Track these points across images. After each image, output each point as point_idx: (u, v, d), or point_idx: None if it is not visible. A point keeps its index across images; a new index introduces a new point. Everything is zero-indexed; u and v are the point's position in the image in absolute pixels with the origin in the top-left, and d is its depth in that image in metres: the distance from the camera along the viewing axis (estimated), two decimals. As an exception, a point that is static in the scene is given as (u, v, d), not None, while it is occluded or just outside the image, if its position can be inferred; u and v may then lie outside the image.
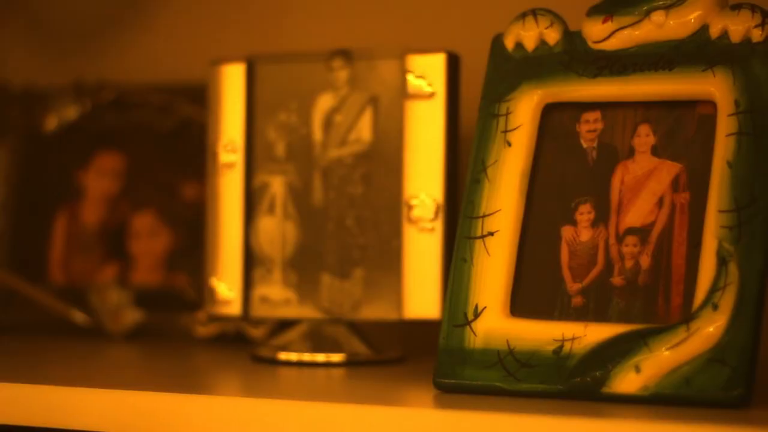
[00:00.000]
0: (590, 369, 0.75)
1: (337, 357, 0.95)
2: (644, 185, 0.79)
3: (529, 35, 0.84)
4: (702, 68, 0.78)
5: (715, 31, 0.79)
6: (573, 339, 0.76)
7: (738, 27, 0.78)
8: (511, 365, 0.77)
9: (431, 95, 0.94)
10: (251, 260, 0.99)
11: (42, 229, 1.24)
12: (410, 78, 0.95)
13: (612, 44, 0.82)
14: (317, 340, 0.97)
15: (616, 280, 0.78)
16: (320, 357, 0.95)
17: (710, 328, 0.72)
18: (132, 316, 1.15)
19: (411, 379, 0.87)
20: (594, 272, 0.79)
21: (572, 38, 0.83)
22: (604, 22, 0.82)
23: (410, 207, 0.94)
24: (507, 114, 0.83)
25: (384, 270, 0.95)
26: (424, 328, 0.93)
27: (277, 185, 0.99)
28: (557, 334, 0.76)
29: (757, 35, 0.78)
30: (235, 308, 0.99)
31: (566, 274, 0.80)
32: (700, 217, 0.76)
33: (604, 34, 0.82)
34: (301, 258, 0.98)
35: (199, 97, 1.19)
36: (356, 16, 1.22)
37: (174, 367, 0.97)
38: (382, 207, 0.96)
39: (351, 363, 0.95)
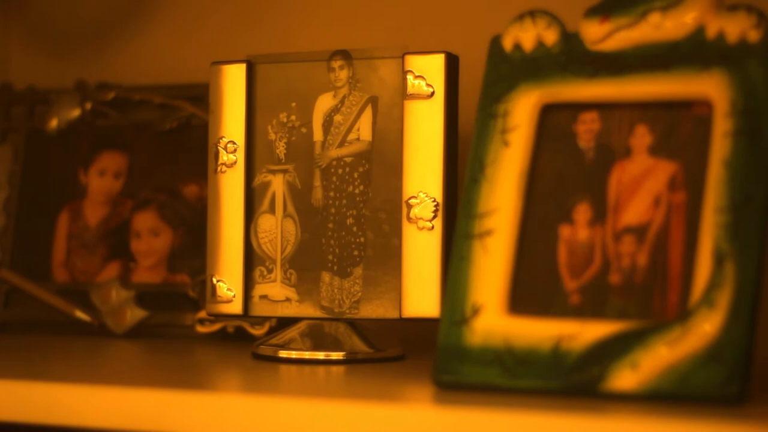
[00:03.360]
0: (588, 366, 0.75)
1: (336, 355, 0.96)
2: (641, 185, 0.80)
3: (527, 36, 0.85)
4: (698, 69, 0.79)
5: (711, 32, 0.80)
6: (570, 337, 0.76)
7: (734, 28, 0.79)
8: (509, 362, 0.77)
9: (430, 95, 0.95)
10: (252, 259, 1.00)
11: (45, 227, 1.24)
12: (410, 78, 0.95)
13: (609, 45, 0.82)
14: (317, 338, 0.98)
15: (613, 278, 0.79)
16: (320, 355, 0.96)
17: (707, 326, 0.73)
18: (133, 314, 1.16)
19: (410, 377, 0.87)
20: (591, 271, 0.80)
21: (570, 39, 0.84)
22: (602, 23, 0.82)
23: (409, 206, 0.94)
24: (505, 114, 0.83)
25: (383, 269, 0.96)
26: (423, 326, 0.94)
27: (277, 184, 1.00)
28: (555, 332, 0.77)
29: (753, 36, 0.78)
30: (235, 307, 0.99)
31: (564, 272, 0.80)
32: (697, 216, 0.77)
33: (602, 35, 0.82)
34: (301, 257, 0.99)
35: (200, 97, 1.20)
36: (356, 17, 1.23)
37: (175, 365, 0.98)
38: (381, 206, 0.97)
39: (351, 361, 0.96)
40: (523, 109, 0.83)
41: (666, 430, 0.66)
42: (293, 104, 1.00)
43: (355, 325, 0.99)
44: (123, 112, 1.25)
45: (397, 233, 0.95)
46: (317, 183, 0.99)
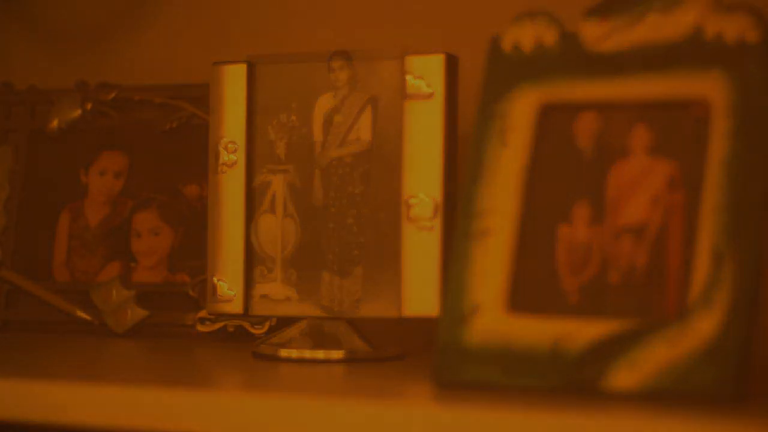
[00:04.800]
0: (587, 365, 0.76)
1: (337, 354, 0.96)
2: (640, 184, 0.80)
3: (526, 37, 0.85)
4: (697, 70, 0.79)
5: (710, 33, 0.80)
6: (569, 336, 0.77)
7: (733, 29, 0.79)
8: (508, 361, 0.78)
9: (430, 95, 0.95)
10: (252, 258, 1.00)
11: (45, 227, 1.25)
12: (409, 78, 0.96)
13: (608, 46, 0.83)
14: (317, 337, 0.98)
15: (612, 277, 0.79)
16: (320, 354, 0.96)
17: (705, 325, 0.73)
18: (134, 313, 1.16)
19: (410, 376, 0.88)
20: (590, 270, 0.80)
21: (569, 40, 0.84)
22: (601, 23, 0.83)
23: (409, 206, 0.95)
24: (504, 114, 0.84)
25: (383, 268, 0.96)
26: (423, 325, 0.94)
27: (277, 184, 1.00)
28: (554, 331, 0.77)
29: (752, 37, 0.79)
30: (236, 306, 1.00)
31: (563, 271, 0.80)
32: (695, 216, 0.77)
33: (601, 36, 0.83)
34: (302, 256, 0.99)
35: (200, 97, 1.20)
36: (356, 17, 1.23)
37: (176, 364, 0.98)
38: (381, 206, 0.97)
39: (351, 360, 0.96)
40: (522, 110, 0.83)
41: (664, 428, 0.67)
42: (293, 104, 1.00)
43: (355, 324, 0.99)
44: (123, 112, 1.25)
45: (397, 233, 0.95)
46: (317, 183, 0.99)
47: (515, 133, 0.83)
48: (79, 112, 1.25)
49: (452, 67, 0.96)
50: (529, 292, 0.80)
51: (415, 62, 0.96)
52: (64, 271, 1.23)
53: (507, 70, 0.85)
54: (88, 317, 1.18)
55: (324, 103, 0.99)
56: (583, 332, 0.76)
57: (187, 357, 1.03)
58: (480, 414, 0.70)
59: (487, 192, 0.82)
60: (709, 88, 0.79)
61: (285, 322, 1.03)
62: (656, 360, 0.74)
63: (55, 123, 1.25)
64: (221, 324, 1.13)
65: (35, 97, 1.29)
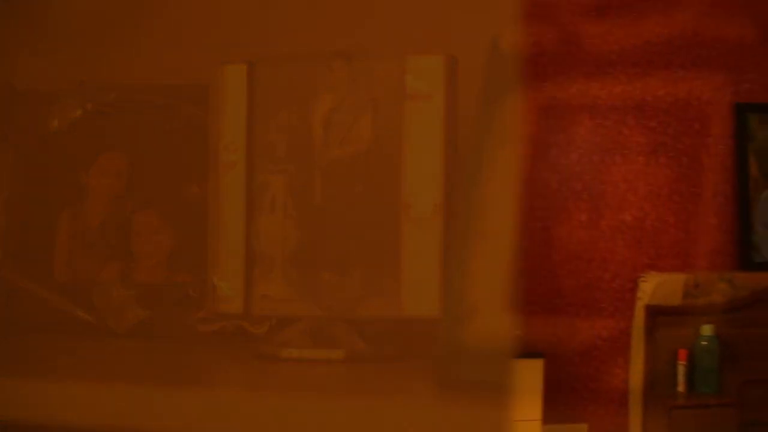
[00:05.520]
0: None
1: (336, 354, 0.96)
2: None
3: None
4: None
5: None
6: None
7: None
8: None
9: (429, 96, 0.95)
10: (252, 258, 1.00)
11: (46, 227, 1.25)
12: (409, 79, 0.96)
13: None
14: (317, 336, 0.98)
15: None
16: (320, 354, 0.96)
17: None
18: (134, 313, 1.16)
19: (410, 375, 0.88)
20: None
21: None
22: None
23: (409, 206, 0.95)
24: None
25: (383, 268, 0.96)
26: (422, 325, 0.94)
27: (277, 184, 1.00)
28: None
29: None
30: (236, 306, 1.00)
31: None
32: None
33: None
34: (302, 256, 0.99)
35: (201, 98, 1.20)
36: (356, 18, 1.23)
37: (176, 364, 0.98)
38: (380, 206, 0.97)
39: (351, 359, 0.96)
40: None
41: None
42: (294, 105, 1.00)
43: (355, 324, 0.99)
44: (123, 112, 1.25)
45: (397, 233, 0.95)
46: (317, 183, 0.99)
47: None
48: (79, 112, 1.25)
49: (452, 67, 0.96)
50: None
51: (414, 63, 0.96)
52: (64, 271, 1.23)
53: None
54: (88, 317, 1.18)
55: (324, 103, 0.99)
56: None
57: (187, 356, 1.03)
58: (479, 413, 0.70)
59: (486, 192, 0.83)
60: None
61: (285, 322, 1.03)
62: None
63: (55, 123, 1.25)
64: (221, 324, 1.13)
65: (35, 97, 1.29)
